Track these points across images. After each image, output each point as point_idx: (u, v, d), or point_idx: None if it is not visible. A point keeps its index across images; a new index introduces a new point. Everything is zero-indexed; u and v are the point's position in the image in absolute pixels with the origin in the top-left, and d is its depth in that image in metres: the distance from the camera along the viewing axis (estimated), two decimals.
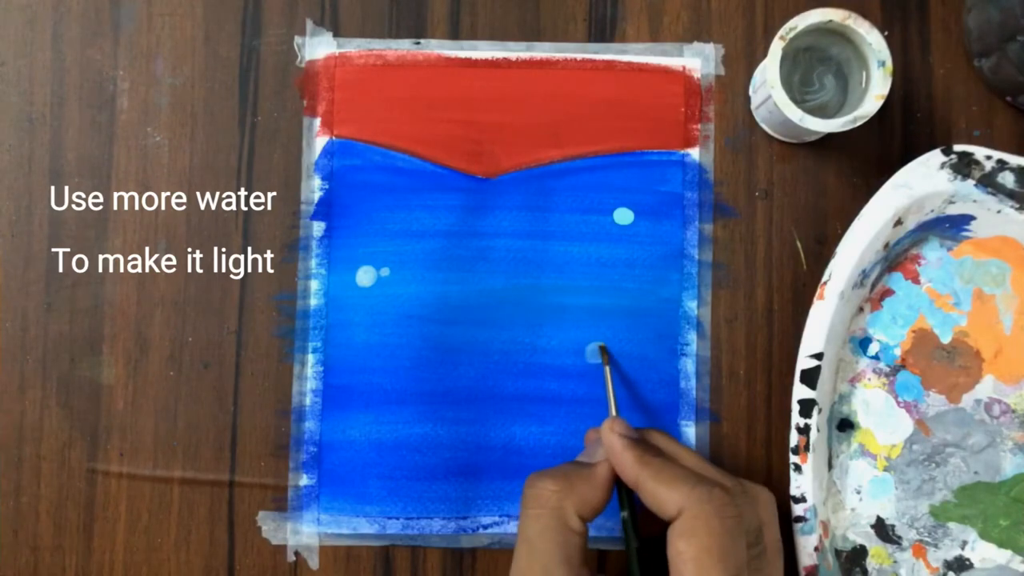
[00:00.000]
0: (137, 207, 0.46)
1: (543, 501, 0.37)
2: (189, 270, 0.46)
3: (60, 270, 0.46)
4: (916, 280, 0.45)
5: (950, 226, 0.44)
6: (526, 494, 0.38)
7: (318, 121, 0.46)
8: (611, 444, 0.38)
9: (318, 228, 0.46)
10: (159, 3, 0.47)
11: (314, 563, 0.45)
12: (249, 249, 0.46)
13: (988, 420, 0.44)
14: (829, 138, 0.46)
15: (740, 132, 0.46)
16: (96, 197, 0.46)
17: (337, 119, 0.46)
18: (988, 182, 0.42)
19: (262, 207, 0.46)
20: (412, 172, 0.46)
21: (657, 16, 0.47)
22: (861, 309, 0.45)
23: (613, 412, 0.41)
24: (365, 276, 0.46)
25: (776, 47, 0.41)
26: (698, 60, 0.46)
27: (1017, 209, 0.42)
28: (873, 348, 0.44)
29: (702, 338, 0.46)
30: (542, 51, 0.47)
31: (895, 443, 0.44)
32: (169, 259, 0.46)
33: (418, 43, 0.47)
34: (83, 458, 0.45)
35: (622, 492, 0.39)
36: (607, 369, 0.43)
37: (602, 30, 0.47)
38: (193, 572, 0.45)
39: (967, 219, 0.43)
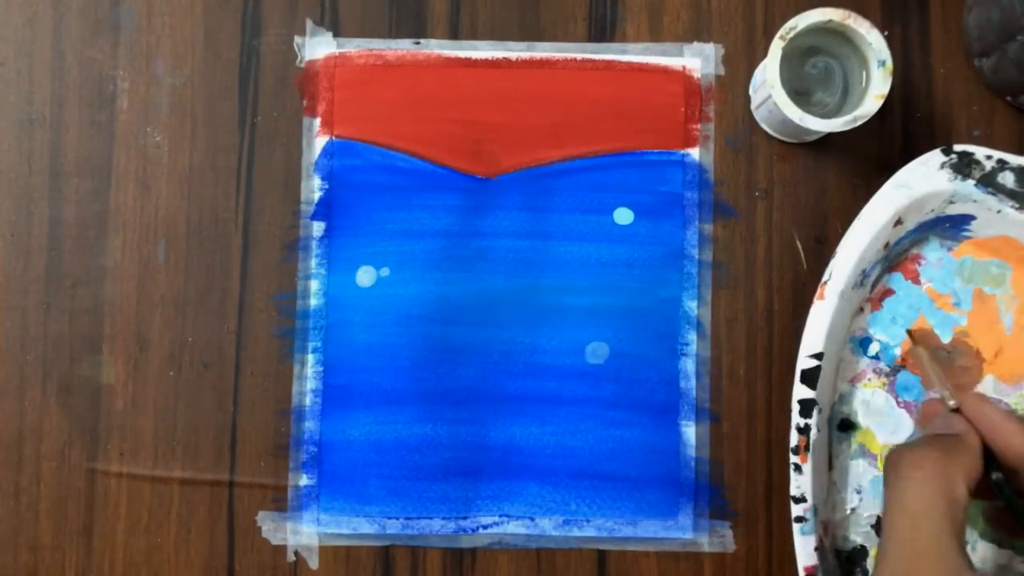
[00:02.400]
0: (137, 207, 0.46)
1: (927, 468, 0.34)
2: (189, 270, 0.46)
3: (60, 270, 0.46)
4: (916, 280, 0.45)
5: (950, 226, 0.44)
6: (900, 463, 0.35)
7: (318, 121, 0.46)
8: (988, 415, 0.37)
9: (318, 228, 0.46)
10: (159, 3, 0.47)
11: (314, 563, 0.45)
12: (249, 249, 0.46)
13: None
14: (829, 138, 0.46)
15: (740, 132, 0.46)
16: (96, 197, 0.46)
17: (337, 119, 0.46)
18: (988, 182, 0.42)
19: (262, 207, 0.46)
20: (412, 172, 0.46)
21: (657, 16, 0.47)
22: (861, 309, 0.45)
23: (947, 387, 0.40)
24: (365, 276, 0.46)
25: (776, 47, 0.41)
26: (698, 60, 0.46)
27: (1017, 209, 0.42)
28: (873, 348, 0.44)
29: (702, 338, 0.46)
30: (542, 51, 0.47)
31: (895, 443, 0.44)
32: (169, 259, 0.46)
33: (418, 43, 0.47)
34: (83, 458, 0.45)
35: (988, 456, 0.37)
36: (923, 351, 0.42)
37: (602, 30, 0.47)
38: (193, 572, 0.45)
39: (967, 219, 0.43)
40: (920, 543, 0.34)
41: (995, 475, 0.37)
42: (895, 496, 0.35)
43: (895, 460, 0.36)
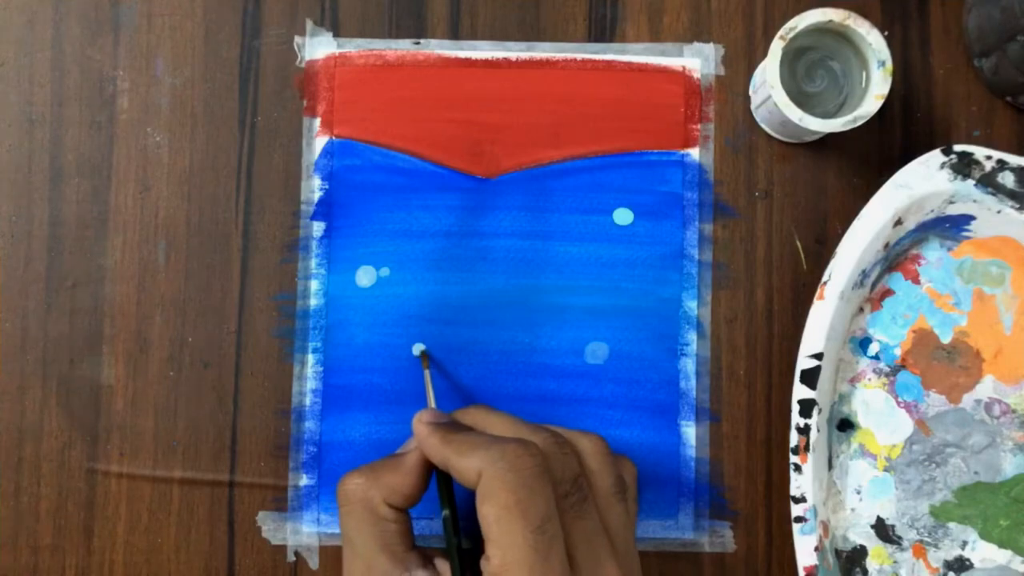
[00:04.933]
0: (137, 207, 0.46)
1: (350, 496, 0.38)
2: (189, 270, 0.46)
3: (60, 270, 0.46)
4: (916, 280, 0.45)
5: (950, 226, 0.44)
6: (337, 493, 0.38)
7: (318, 121, 0.46)
8: (418, 433, 0.38)
9: (318, 228, 0.46)
10: (159, 3, 0.47)
11: (314, 563, 0.45)
12: (249, 249, 0.46)
13: (988, 420, 0.44)
14: (829, 138, 0.46)
15: (740, 132, 0.46)
16: (96, 197, 0.46)
17: (337, 119, 0.46)
18: (988, 182, 0.42)
19: (262, 207, 0.46)
20: (412, 172, 0.46)
21: (657, 16, 0.47)
22: (861, 309, 0.45)
23: (431, 405, 0.41)
24: (365, 276, 0.46)
25: (776, 47, 0.41)
26: (698, 60, 0.46)
27: (1017, 209, 0.42)
28: (873, 348, 0.44)
29: (702, 338, 0.46)
30: (542, 51, 0.47)
31: (895, 443, 0.44)
32: (169, 259, 0.46)
33: (418, 43, 0.47)
34: (83, 458, 0.45)
35: (442, 490, 0.39)
36: (427, 373, 0.43)
37: (602, 30, 0.47)
38: (193, 572, 0.45)
39: (967, 219, 0.43)
40: (357, 566, 0.37)
41: (444, 512, 0.38)
42: (340, 526, 0.39)
43: (336, 489, 0.39)
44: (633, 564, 0.38)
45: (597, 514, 0.37)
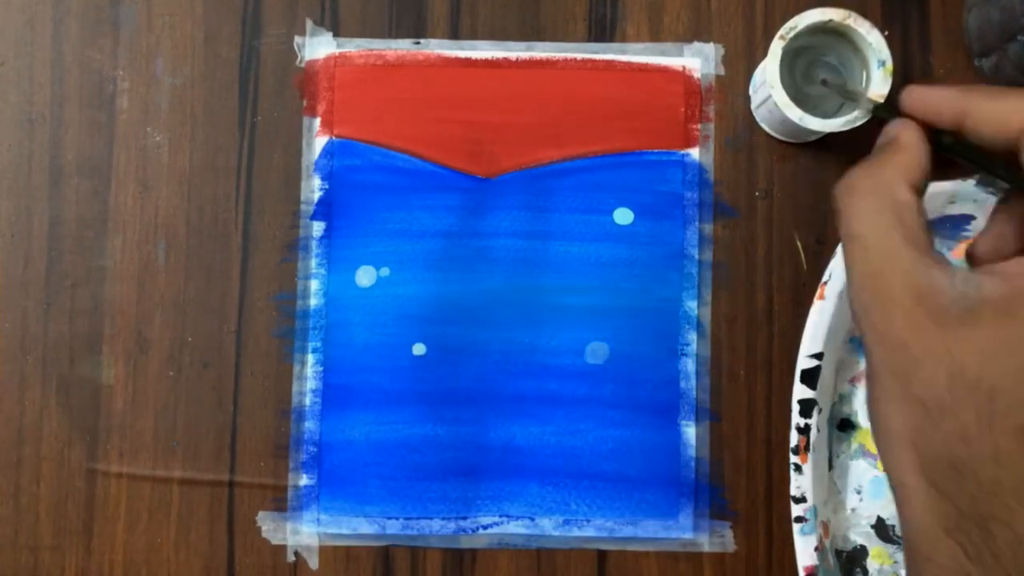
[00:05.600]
0: (137, 207, 0.46)
1: (856, 189, 0.31)
2: (189, 270, 0.46)
3: (60, 270, 0.46)
4: None
5: (950, 226, 0.44)
6: (836, 198, 0.32)
7: (318, 121, 0.46)
8: (920, 95, 0.33)
9: (318, 228, 0.46)
10: (159, 3, 0.47)
11: (314, 563, 0.45)
12: (249, 249, 0.46)
13: None
14: (829, 138, 0.46)
15: (740, 132, 0.46)
16: (96, 197, 0.46)
17: (337, 119, 0.46)
18: (989, 182, 0.42)
19: (262, 207, 0.46)
20: (412, 172, 0.46)
21: (657, 16, 0.47)
22: None
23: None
24: (365, 276, 0.46)
25: (776, 47, 0.41)
26: (698, 60, 0.46)
27: None
28: None
29: (702, 338, 0.46)
30: (542, 51, 0.47)
31: None
32: (169, 259, 0.46)
33: (418, 43, 0.47)
34: (83, 458, 0.45)
35: (959, 150, 0.33)
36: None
37: (602, 30, 0.47)
38: (193, 572, 0.45)
39: (967, 219, 0.43)
40: (873, 263, 0.30)
41: (945, 139, 0.32)
42: (841, 229, 0.32)
43: (835, 198, 0.33)
44: None
45: None
